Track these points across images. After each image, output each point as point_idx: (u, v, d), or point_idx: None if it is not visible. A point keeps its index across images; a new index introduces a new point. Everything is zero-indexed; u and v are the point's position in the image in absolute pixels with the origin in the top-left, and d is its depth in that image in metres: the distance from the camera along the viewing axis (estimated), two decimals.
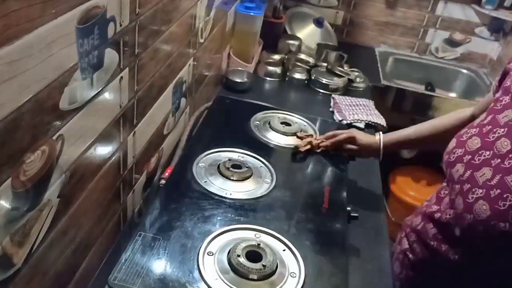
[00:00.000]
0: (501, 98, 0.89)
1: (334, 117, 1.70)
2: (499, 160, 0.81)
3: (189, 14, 1.14)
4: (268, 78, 1.94)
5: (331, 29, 2.34)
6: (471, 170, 0.84)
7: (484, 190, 0.80)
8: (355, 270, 1.02)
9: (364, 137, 1.23)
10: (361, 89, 1.97)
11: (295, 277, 0.81)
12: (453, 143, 0.92)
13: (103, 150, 0.82)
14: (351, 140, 1.22)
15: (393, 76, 2.28)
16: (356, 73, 2.00)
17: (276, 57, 2.01)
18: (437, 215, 0.93)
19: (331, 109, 1.77)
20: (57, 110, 0.63)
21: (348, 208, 1.04)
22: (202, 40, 1.31)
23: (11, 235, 0.59)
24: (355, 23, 2.44)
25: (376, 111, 1.75)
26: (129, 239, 0.83)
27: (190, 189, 0.99)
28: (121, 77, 0.82)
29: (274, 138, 1.24)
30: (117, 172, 0.91)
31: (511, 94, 0.87)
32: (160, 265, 0.79)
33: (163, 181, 1.04)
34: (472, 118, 1.05)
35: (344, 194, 1.08)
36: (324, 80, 1.90)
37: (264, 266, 0.80)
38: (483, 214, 0.79)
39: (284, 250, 0.87)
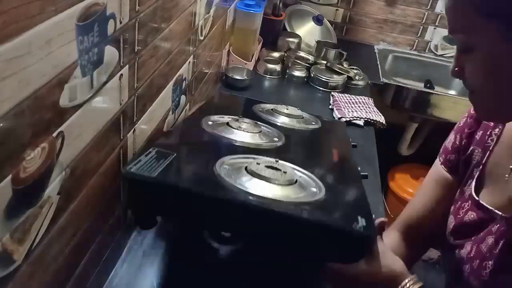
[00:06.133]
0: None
1: (334, 115, 1.70)
2: (497, 225, 0.75)
3: (189, 12, 1.14)
4: (267, 76, 1.94)
5: (330, 27, 2.34)
6: (476, 245, 0.78)
7: (492, 261, 0.73)
8: None
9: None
10: (360, 86, 1.97)
11: (315, 190, 0.80)
12: (452, 221, 0.84)
13: (103, 147, 0.82)
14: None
15: (392, 73, 2.28)
16: (356, 71, 2.00)
17: (276, 54, 2.01)
18: None
19: (330, 107, 1.77)
20: (57, 107, 0.63)
21: None
22: (202, 38, 1.31)
23: (11, 232, 0.59)
24: (355, 21, 2.44)
25: (375, 109, 1.76)
26: (129, 236, 0.83)
27: None
28: (121, 74, 0.82)
29: None
30: (117, 169, 0.91)
31: (481, 166, 0.82)
32: (176, 168, 0.80)
33: None
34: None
35: None
36: (323, 78, 1.90)
37: (285, 172, 0.77)
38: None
39: (301, 176, 0.85)
